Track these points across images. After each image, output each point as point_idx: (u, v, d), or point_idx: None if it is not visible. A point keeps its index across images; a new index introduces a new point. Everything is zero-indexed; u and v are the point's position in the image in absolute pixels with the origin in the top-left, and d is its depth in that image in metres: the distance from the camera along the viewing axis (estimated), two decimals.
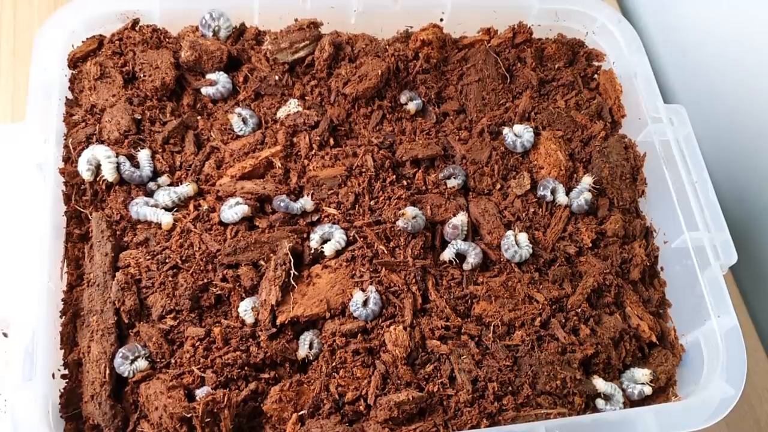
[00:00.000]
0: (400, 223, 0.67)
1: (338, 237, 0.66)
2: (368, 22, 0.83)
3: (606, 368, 0.67)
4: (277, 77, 0.77)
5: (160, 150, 0.71)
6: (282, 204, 0.67)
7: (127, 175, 0.68)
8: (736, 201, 0.93)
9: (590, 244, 0.73)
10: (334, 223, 0.68)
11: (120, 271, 0.63)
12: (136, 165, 0.69)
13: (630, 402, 0.67)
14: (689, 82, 1.01)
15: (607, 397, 0.66)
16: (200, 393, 0.58)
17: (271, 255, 0.65)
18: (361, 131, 0.76)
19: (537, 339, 0.66)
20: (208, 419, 0.56)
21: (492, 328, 0.65)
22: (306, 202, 0.68)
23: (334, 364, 0.62)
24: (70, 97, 0.74)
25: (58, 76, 0.72)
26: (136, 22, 0.78)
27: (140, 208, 0.66)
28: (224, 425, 0.56)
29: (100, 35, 0.77)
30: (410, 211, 0.67)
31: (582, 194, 0.75)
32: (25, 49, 0.90)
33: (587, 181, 0.75)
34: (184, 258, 0.64)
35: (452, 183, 0.74)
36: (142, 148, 0.70)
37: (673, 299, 0.75)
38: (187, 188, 0.68)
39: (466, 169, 0.75)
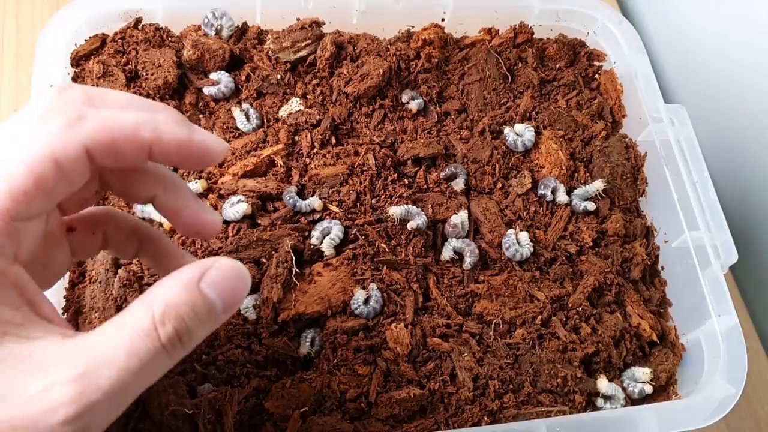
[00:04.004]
0: (393, 210, 0.67)
1: (335, 233, 0.66)
2: (370, 22, 0.84)
3: (607, 367, 0.67)
4: (279, 76, 0.78)
5: None
6: (291, 200, 0.67)
7: None
8: (736, 201, 0.93)
9: (591, 243, 0.74)
10: (332, 219, 0.68)
11: (122, 268, 0.64)
12: None
13: (630, 401, 0.67)
14: (689, 82, 1.01)
15: (608, 397, 0.66)
16: (202, 390, 0.59)
17: (273, 253, 0.65)
18: (363, 130, 0.76)
19: (538, 337, 0.66)
20: (210, 416, 0.56)
21: (493, 326, 0.66)
22: (314, 201, 0.68)
23: (335, 361, 0.62)
24: None
25: (61, 75, 0.72)
26: (138, 20, 0.78)
27: (145, 207, 0.66)
28: (226, 422, 0.56)
29: (103, 34, 0.77)
30: (394, 210, 0.67)
31: (585, 202, 0.75)
32: (28, 50, 0.90)
33: (598, 186, 0.75)
34: None
35: (457, 186, 0.74)
36: None
37: (674, 298, 0.75)
38: (196, 185, 0.68)
39: (467, 168, 0.75)
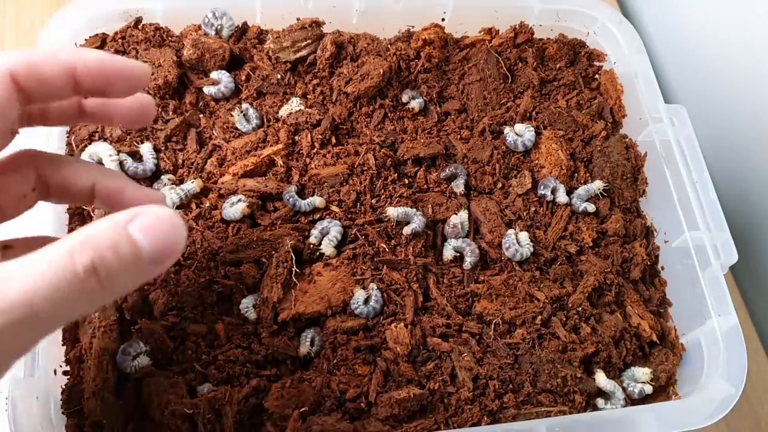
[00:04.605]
0: (390, 211, 0.67)
1: (333, 233, 0.66)
2: (370, 22, 0.84)
3: (607, 367, 0.67)
4: (279, 76, 0.77)
5: (162, 148, 0.72)
6: (291, 200, 0.67)
7: (131, 172, 0.68)
8: (736, 201, 0.93)
9: (591, 243, 0.74)
10: (332, 219, 0.68)
11: None
12: (138, 159, 0.69)
13: (630, 401, 0.67)
14: (689, 82, 1.01)
15: (608, 396, 0.66)
16: (202, 389, 0.59)
17: (273, 253, 0.65)
18: (363, 130, 0.76)
19: (538, 337, 0.66)
20: (210, 415, 0.56)
21: (493, 326, 0.66)
22: (314, 200, 0.68)
23: (335, 361, 0.62)
24: None
25: None
26: (138, 20, 0.78)
27: None
28: (226, 422, 0.56)
29: (103, 33, 0.77)
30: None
31: (585, 203, 0.75)
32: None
33: (599, 186, 0.75)
34: (186, 255, 0.65)
35: (457, 188, 0.73)
36: (144, 142, 0.70)
37: (674, 298, 0.75)
38: (192, 185, 0.68)
39: (467, 168, 0.75)
